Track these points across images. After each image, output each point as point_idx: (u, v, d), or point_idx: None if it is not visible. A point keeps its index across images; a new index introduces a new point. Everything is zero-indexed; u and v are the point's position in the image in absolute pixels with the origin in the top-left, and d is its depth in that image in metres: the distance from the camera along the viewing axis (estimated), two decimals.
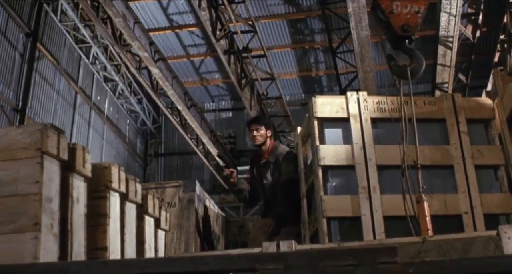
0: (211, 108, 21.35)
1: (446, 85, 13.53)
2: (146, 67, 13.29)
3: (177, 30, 17.59)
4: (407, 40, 5.44)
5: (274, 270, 2.67)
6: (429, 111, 6.40)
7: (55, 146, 3.45)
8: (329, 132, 6.33)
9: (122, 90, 18.73)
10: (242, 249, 4.59)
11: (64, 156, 3.52)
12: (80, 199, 3.66)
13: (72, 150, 3.62)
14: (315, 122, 6.26)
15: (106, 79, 17.98)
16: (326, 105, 6.37)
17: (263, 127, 6.62)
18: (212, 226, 7.67)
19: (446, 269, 2.62)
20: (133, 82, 18.89)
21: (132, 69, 13.65)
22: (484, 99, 6.83)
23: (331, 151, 6.16)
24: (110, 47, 16.54)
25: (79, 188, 3.65)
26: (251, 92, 14.55)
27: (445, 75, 13.30)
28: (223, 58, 12.48)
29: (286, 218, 6.30)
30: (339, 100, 6.45)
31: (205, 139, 16.40)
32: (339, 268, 2.63)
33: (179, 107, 14.77)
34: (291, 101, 19.58)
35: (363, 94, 6.53)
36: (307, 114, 6.74)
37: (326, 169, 6.10)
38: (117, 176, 3.97)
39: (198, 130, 15.93)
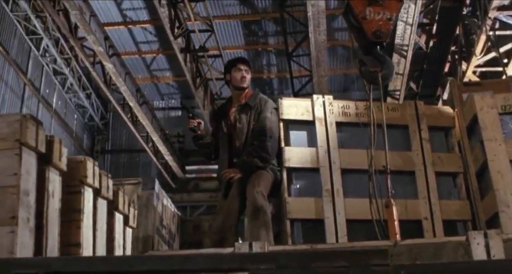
0: (160, 107, 21.13)
1: (398, 93, 13.75)
2: (100, 62, 13.08)
3: (130, 26, 17.35)
4: (378, 46, 5.50)
5: (266, 270, 2.66)
6: (392, 118, 6.49)
7: (33, 138, 3.36)
8: (294, 134, 6.36)
9: (72, 85, 18.37)
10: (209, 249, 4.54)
11: (42, 148, 3.43)
12: (56, 193, 3.56)
13: (49, 142, 3.53)
14: (281, 124, 6.26)
15: (56, 73, 17.61)
16: (292, 107, 6.40)
17: (250, 72, 6.05)
18: (169, 225, 7.60)
19: (437, 272, 2.66)
20: (83, 77, 18.55)
21: (87, 64, 13.41)
22: (446, 108, 6.97)
23: (296, 153, 6.19)
24: (62, 40, 16.21)
25: (55, 182, 3.56)
26: (205, 92, 14.48)
27: (397, 83, 13.52)
28: (180, 57, 12.37)
29: (256, 166, 5.63)
30: (305, 103, 6.48)
31: (155, 137, 16.24)
32: (331, 269, 2.64)
33: (131, 104, 14.59)
34: None
35: (328, 98, 6.58)
36: None
37: (291, 171, 6.13)
38: (91, 171, 3.89)
39: (149, 128, 15.76)
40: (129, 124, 16.13)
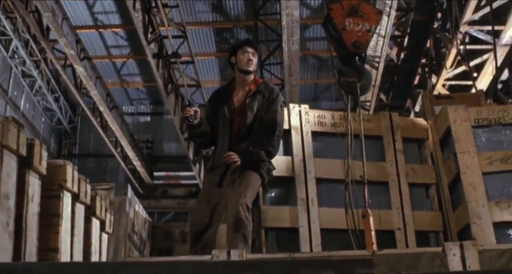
0: (129, 112, 20.98)
1: (368, 104, 13.85)
2: (71, 65, 12.94)
3: (101, 30, 17.22)
4: (357, 57, 5.55)
5: None
6: (367, 128, 6.52)
7: (15, 141, 3.31)
8: None
9: (40, 87, 18.15)
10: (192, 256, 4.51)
11: (23, 151, 3.38)
12: (35, 197, 3.51)
13: (30, 145, 3.48)
14: None
15: (24, 75, 17.38)
16: None
17: (256, 55, 5.59)
18: (140, 231, 7.54)
19: None
20: (52, 80, 18.35)
21: (57, 66, 13.27)
22: (419, 119, 7.05)
23: (272, 161, 6.18)
24: (31, 42, 16.01)
25: (34, 186, 3.51)
26: (176, 98, 14.43)
27: (368, 94, 13.61)
28: (152, 62, 12.31)
29: (259, 159, 5.30)
30: None
31: (124, 142, 16.12)
32: None
33: (101, 109, 14.47)
34: None
35: (305, 107, 6.61)
36: None
37: None
38: (71, 175, 3.84)
39: (118, 133, 15.65)
40: (99, 128, 15.98)
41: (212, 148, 5.61)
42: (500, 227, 5.88)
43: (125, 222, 6.78)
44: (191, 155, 16.15)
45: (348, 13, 5.52)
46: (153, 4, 11.90)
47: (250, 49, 5.47)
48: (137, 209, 7.37)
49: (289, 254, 4.25)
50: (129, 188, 7.04)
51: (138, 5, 11.27)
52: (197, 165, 16.87)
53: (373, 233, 4.93)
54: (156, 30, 12.16)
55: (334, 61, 5.93)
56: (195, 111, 5.23)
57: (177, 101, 14.48)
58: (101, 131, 16.04)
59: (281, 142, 6.39)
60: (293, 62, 12.93)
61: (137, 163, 17.49)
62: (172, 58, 13.12)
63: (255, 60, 5.49)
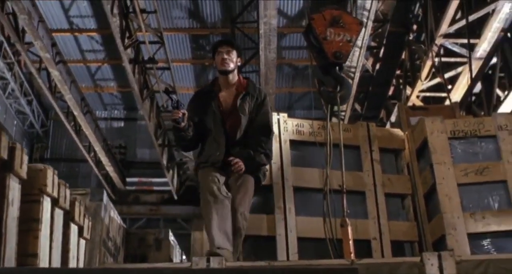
0: (102, 117, 20.81)
1: (343, 113, 13.94)
2: (46, 69, 12.81)
3: (76, 34, 17.08)
4: (337, 67, 5.58)
5: None
6: (345, 138, 6.54)
7: None
8: None
9: (13, 90, 17.91)
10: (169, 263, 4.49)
11: (4, 155, 3.34)
12: (15, 201, 3.47)
13: (11, 149, 3.44)
14: None
15: None
16: None
17: (235, 53, 5.38)
18: (115, 237, 7.48)
19: None
20: (25, 83, 18.14)
21: (32, 70, 13.12)
22: (396, 130, 7.12)
23: None
24: (5, 44, 15.79)
25: (14, 190, 3.47)
26: (151, 104, 14.35)
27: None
28: (128, 67, 12.22)
29: (260, 163, 5.24)
30: None
31: (97, 147, 15.97)
32: None
33: (75, 113, 14.33)
34: None
35: (283, 116, 6.64)
36: None
37: None
38: (51, 180, 3.80)
39: (91, 138, 15.50)
40: (72, 133, 15.82)
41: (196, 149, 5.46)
42: (474, 238, 5.97)
43: (100, 228, 6.71)
44: (165, 161, 16.07)
45: (330, 23, 5.56)
46: (131, 9, 11.84)
47: (223, 49, 5.35)
48: (112, 215, 7.31)
49: (268, 262, 4.26)
50: (105, 194, 6.98)
51: (116, 10, 11.20)
52: (171, 172, 16.79)
53: (351, 242, 4.96)
54: (133, 35, 12.09)
55: (315, 71, 5.94)
56: (183, 114, 5.09)
57: (152, 107, 14.41)
58: (74, 136, 15.87)
59: None
60: (270, 70, 12.95)
61: (110, 169, 17.34)
62: (149, 64, 13.04)
63: (230, 57, 5.32)
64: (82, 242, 4.68)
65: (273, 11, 11.28)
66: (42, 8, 14.41)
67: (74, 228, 4.36)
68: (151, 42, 12.91)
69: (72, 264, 4.22)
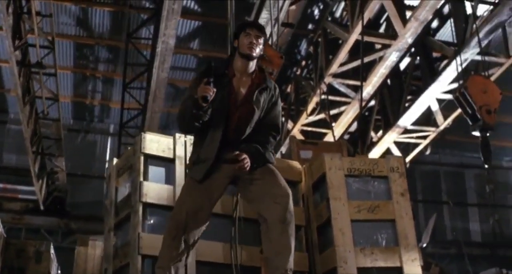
0: None
1: None
2: None
3: None
4: None
5: None
6: None
7: None
8: (153, 170, 6.34)
9: None
10: None
11: None
12: None
13: None
14: (141, 158, 6.23)
15: None
16: (154, 142, 6.39)
17: (263, 40, 4.94)
18: None
19: None
20: None
21: None
22: (295, 162, 7.34)
23: (154, 189, 6.17)
24: None
25: None
26: (31, 110, 13.79)
27: None
28: (16, 70, 11.74)
29: (268, 161, 4.95)
30: (167, 140, 6.51)
31: None
32: None
33: None
34: None
35: (190, 138, 6.68)
36: (129, 148, 6.73)
37: (147, 206, 6.08)
38: None
39: None
40: None
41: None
42: (363, 272, 6.28)
43: None
44: (36, 169, 15.44)
45: None
46: (25, 10, 11.42)
47: (253, 32, 4.91)
48: None
49: None
50: None
51: (11, 9, 10.75)
52: (40, 181, 16.15)
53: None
54: (24, 37, 11.66)
55: None
56: (214, 92, 4.62)
57: (31, 113, 13.86)
58: None
59: (164, 170, 6.46)
60: (159, 89, 13.00)
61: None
62: (35, 68, 12.58)
63: (259, 44, 4.89)
64: None
65: (172, 31, 11.38)
66: None
67: None
68: (43, 47, 12.47)
69: None
